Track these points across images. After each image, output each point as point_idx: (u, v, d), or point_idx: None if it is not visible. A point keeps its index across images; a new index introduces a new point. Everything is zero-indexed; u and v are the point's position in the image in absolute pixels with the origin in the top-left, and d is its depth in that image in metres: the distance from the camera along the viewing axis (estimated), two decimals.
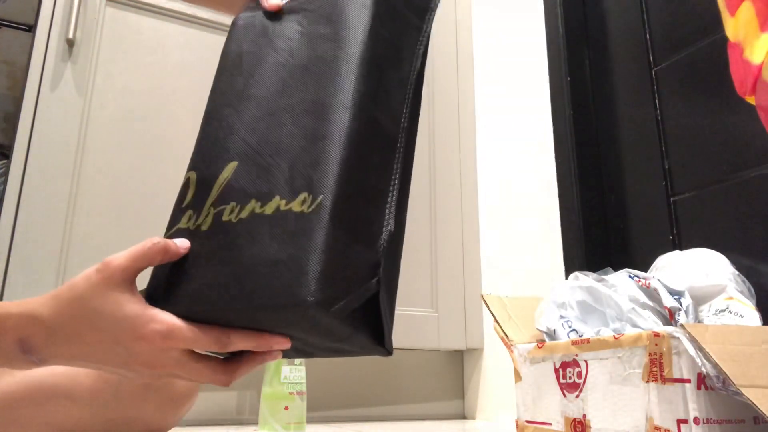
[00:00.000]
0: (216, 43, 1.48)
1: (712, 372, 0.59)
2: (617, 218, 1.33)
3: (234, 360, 0.45)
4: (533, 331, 0.89)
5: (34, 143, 1.22)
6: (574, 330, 0.80)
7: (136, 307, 0.42)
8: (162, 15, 1.43)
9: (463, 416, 1.59)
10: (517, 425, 0.86)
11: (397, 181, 0.49)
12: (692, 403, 0.60)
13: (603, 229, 1.35)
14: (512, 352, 0.88)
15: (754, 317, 0.75)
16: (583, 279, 0.84)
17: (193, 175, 0.49)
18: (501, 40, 1.72)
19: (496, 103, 1.69)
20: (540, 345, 0.82)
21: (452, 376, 1.61)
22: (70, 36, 1.28)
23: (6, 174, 1.20)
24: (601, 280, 0.82)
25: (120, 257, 0.42)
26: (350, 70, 0.49)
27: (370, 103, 0.49)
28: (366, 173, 0.47)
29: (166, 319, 0.42)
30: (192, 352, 0.43)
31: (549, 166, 1.44)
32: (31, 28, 1.36)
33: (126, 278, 0.42)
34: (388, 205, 0.48)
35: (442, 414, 1.56)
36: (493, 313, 0.92)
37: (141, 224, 1.28)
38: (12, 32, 1.41)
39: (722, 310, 0.76)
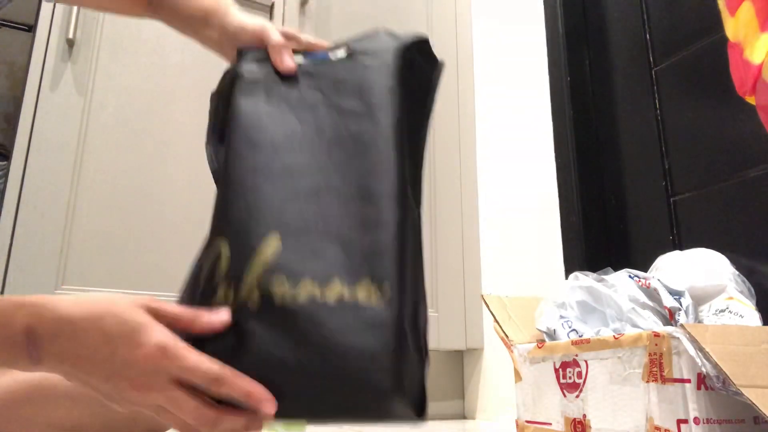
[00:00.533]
0: None
1: (712, 372, 0.59)
2: (617, 218, 1.33)
3: (224, 407, 0.44)
4: (533, 331, 0.89)
5: (34, 143, 1.22)
6: (574, 330, 0.80)
7: (147, 319, 0.42)
8: None
9: (463, 416, 1.59)
10: (517, 425, 0.86)
11: (423, 258, 0.51)
12: (692, 403, 0.60)
13: (603, 229, 1.35)
14: (512, 352, 0.88)
15: (754, 317, 0.75)
16: (583, 279, 0.84)
17: (224, 243, 0.46)
18: (501, 40, 1.72)
19: (496, 103, 1.69)
20: (540, 345, 0.82)
21: (452, 376, 1.61)
22: (70, 36, 1.28)
23: (6, 174, 1.20)
24: (601, 280, 0.82)
25: (169, 311, 0.44)
26: (389, 154, 0.49)
27: (407, 189, 0.49)
28: (411, 259, 0.47)
29: (170, 334, 0.42)
30: (183, 384, 0.43)
31: (549, 166, 1.44)
32: (31, 28, 1.36)
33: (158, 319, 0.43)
34: (423, 284, 0.49)
35: (442, 414, 1.56)
36: (493, 313, 0.92)
37: (141, 224, 1.28)
38: (12, 32, 1.41)
39: (722, 310, 0.76)
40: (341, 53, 0.55)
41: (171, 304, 0.44)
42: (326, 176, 0.48)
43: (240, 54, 0.57)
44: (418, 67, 0.56)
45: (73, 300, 0.43)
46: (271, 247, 0.45)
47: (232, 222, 0.47)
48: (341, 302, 0.43)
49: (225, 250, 0.46)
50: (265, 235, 0.46)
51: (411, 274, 0.47)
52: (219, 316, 0.44)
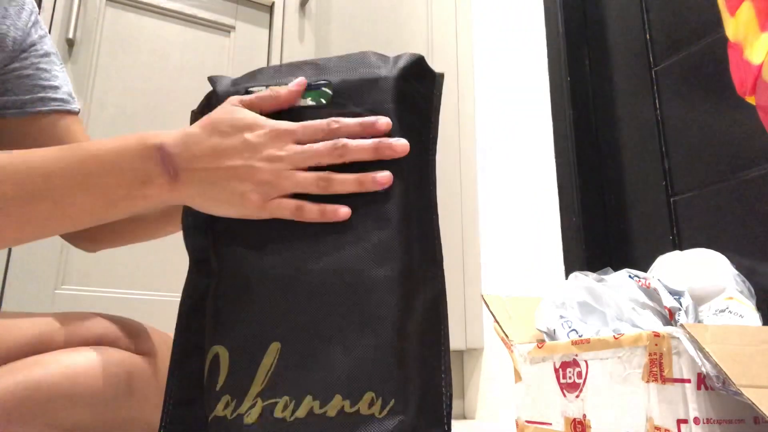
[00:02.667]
0: (216, 43, 1.48)
1: (712, 372, 0.59)
2: (617, 218, 1.33)
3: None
4: (533, 331, 0.89)
5: None
6: (574, 330, 0.80)
7: (256, 114, 0.49)
8: (162, 15, 1.43)
9: (463, 416, 1.59)
10: (517, 425, 0.86)
11: (444, 340, 0.48)
12: (692, 403, 0.60)
13: (603, 229, 1.35)
14: (512, 352, 0.88)
15: (754, 317, 0.75)
16: (583, 279, 0.83)
17: (224, 352, 0.45)
18: (501, 40, 1.72)
19: (496, 104, 1.69)
20: (540, 345, 0.82)
21: (452, 376, 1.61)
22: (70, 36, 1.28)
23: None
24: (601, 280, 0.82)
25: (244, 95, 0.51)
26: (391, 232, 0.46)
27: (412, 268, 0.46)
28: (421, 354, 0.46)
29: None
30: None
31: (549, 166, 1.44)
32: None
33: None
34: (444, 374, 0.47)
35: None
36: (493, 313, 0.92)
37: None
38: None
39: (722, 310, 0.76)
40: (324, 90, 0.50)
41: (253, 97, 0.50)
42: (320, 262, 0.45)
43: (214, 82, 0.54)
44: (414, 96, 0.51)
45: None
46: (270, 357, 0.44)
47: (226, 327, 0.46)
48: (341, 413, 0.42)
49: (224, 356, 0.45)
50: (266, 346, 0.44)
51: (421, 371, 0.45)
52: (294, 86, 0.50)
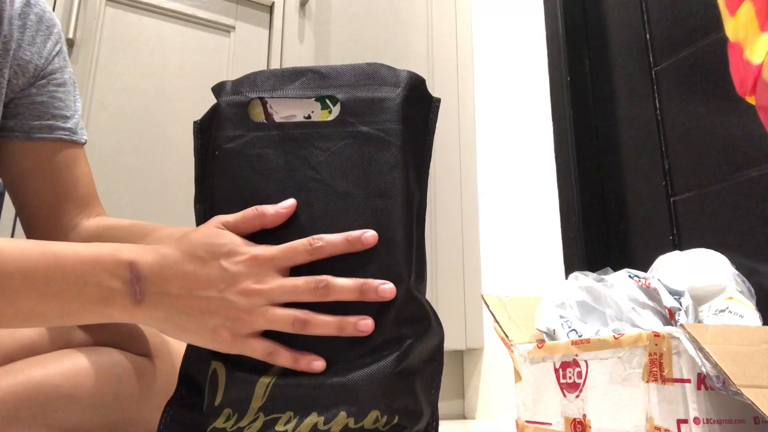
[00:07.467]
0: (216, 43, 1.48)
1: (712, 372, 0.59)
2: (617, 218, 1.33)
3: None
4: (533, 331, 0.89)
5: None
6: (573, 330, 0.80)
7: (234, 236, 0.47)
8: (162, 15, 1.43)
9: (463, 416, 1.59)
10: (517, 425, 0.86)
11: (439, 362, 0.48)
12: (692, 403, 0.60)
13: (603, 229, 1.35)
14: (512, 352, 0.88)
15: (754, 317, 0.75)
16: (583, 279, 0.84)
17: (221, 368, 0.45)
18: (501, 40, 1.72)
19: (496, 103, 1.70)
20: (540, 345, 0.82)
21: (452, 376, 1.61)
22: (70, 36, 1.28)
23: None
24: (601, 280, 0.82)
25: (228, 216, 0.48)
26: (400, 257, 0.45)
27: (413, 292, 0.46)
28: (422, 370, 0.46)
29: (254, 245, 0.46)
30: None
31: (549, 165, 1.44)
32: None
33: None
34: (434, 390, 0.48)
35: (442, 414, 1.56)
36: (493, 313, 0.92)
37: None
38: None
39: (722, 310, 0.76)
40: (333, 96, 0.48)
41: (233, 215, 0.48)
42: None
43: (217, 92, 0.52)
44: (416, 118, 0.50)
45: (169, 243, 0.47)
46: (270, 378, 0.44)
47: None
48: (345, 429, 0.42)
49: (221, 371, 0.45)
50: (267, 365, 0.44)
51: (422, 388, 0.46)
52: (284, 206, 0.47)
